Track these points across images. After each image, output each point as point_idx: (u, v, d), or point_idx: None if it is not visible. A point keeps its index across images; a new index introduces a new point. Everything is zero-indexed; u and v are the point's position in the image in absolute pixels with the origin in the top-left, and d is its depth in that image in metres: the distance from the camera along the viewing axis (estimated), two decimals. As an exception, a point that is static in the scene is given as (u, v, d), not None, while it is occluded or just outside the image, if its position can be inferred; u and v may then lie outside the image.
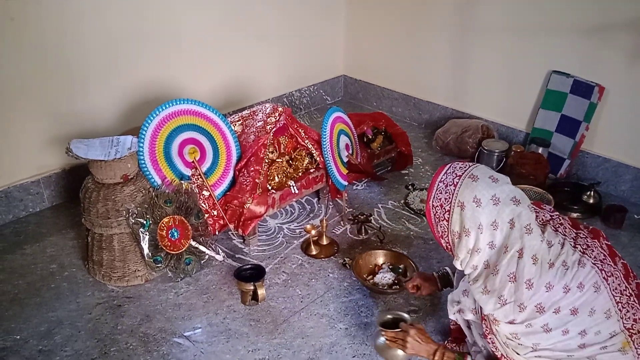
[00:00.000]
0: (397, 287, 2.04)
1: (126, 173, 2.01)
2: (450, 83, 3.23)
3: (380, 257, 2.17)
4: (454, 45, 3.13)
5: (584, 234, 1.43)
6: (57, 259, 2.22)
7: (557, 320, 1.34)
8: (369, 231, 2.40)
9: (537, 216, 1.42)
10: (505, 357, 1.42)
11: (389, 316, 1.70)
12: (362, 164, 2.61)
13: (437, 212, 1.43)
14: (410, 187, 2.74)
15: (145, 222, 1.98)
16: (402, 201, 2.63)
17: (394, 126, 2.90)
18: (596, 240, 1.41)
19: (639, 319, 1.35)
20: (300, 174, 2.41)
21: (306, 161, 2.44)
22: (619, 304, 1.34)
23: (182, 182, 2.17)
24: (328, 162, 2.39)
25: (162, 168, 2.15)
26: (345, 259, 2.22)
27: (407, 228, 2.44)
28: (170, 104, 2.15)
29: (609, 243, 1.45)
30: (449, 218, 1.41)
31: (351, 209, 2.55)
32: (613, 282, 1.34)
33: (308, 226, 2.26)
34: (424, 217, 2.50)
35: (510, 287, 1.35)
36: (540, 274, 1.33)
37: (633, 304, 1.35)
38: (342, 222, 2.48)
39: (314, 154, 2.44)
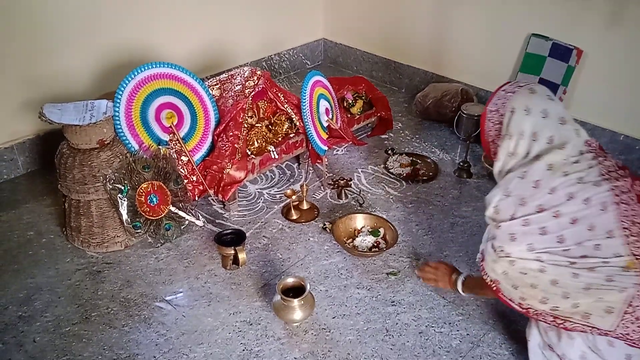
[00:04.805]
0: (376, 249, 2.07)
1: (102, 138, 1.97)
2: (430, 47, 3.21)
3: (359, 221, 2.19)
4: (435, 8, 3.09)
5: (623, 173, 1.41)
6: (34, 226, 2.20)
7: (555, 225, 1.38)
8: (349, 195, 2.41)
9: (587, 142, 1.48)
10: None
11: (290, 280, 1.77)
12: (342, 128, 2.60)
13: (492, 117, 1.56)
14: (390, 151, 2.75)
15: (123, 188, 1.96)
16: (382, 165, 2.64)
17: (374, 90, 2.88)
18: (629, 180, 1.39)
19: None
20: (280, 139, 2.39)
21: (286, 126, 2.42)
22: (627, 230, 1.32)
23: (160, 147, 2.14)
24: (308, 126, 2.37)
25: (139, 133, 2.12)
26: (325, 223, 2.23)
27: (387, 192, 2.46)
28: (146, 67, 2.10)
29: None
30: (501, 122, 1.51)
31: (331, 174, 2.56)
32: (627, 210, 1.33)
33: (288, 191, 2.26)
34: (403, 182, 2.52)
35: (518, 182, 1.45)
36: (549, 177, 1.40)
37: None
38: (322, 187, 2.49)
39: (294, 119, 2.42)
